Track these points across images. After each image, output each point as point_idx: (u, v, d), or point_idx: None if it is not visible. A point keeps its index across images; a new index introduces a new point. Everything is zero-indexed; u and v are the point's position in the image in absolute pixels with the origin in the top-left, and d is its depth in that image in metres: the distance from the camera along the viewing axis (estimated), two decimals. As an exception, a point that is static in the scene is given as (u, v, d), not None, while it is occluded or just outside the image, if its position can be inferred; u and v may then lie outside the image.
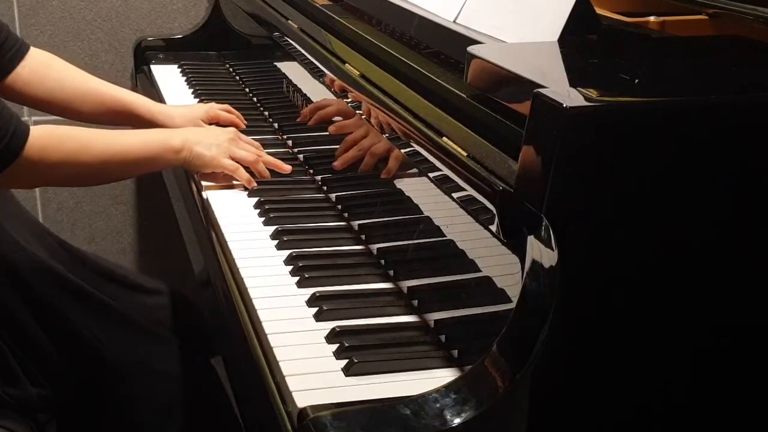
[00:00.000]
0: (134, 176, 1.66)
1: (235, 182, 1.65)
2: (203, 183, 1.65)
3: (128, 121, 1.86)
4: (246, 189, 1.63)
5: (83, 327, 1.60)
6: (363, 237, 1.45)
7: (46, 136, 1.46)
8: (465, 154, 1.07)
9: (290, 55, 1.83)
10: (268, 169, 1.68)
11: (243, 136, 1.71)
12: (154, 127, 1.81)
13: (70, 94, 1.82)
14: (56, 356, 1.56)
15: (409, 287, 1.28)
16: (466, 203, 1.08)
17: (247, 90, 2.20)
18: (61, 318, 1.59)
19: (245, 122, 1.92)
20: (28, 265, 1.58)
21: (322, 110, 1.70)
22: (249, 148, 1.68)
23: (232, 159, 1.64)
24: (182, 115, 1.87)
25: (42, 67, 1.79)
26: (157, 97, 2.19)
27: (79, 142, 1.51)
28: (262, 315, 1.23)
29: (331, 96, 1.63)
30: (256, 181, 1.64)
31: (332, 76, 1.56)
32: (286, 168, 1.67)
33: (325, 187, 1.62)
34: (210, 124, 1.86)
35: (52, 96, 1.81)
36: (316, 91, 1.75)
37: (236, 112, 1.93)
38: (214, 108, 1.91)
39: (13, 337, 1.53)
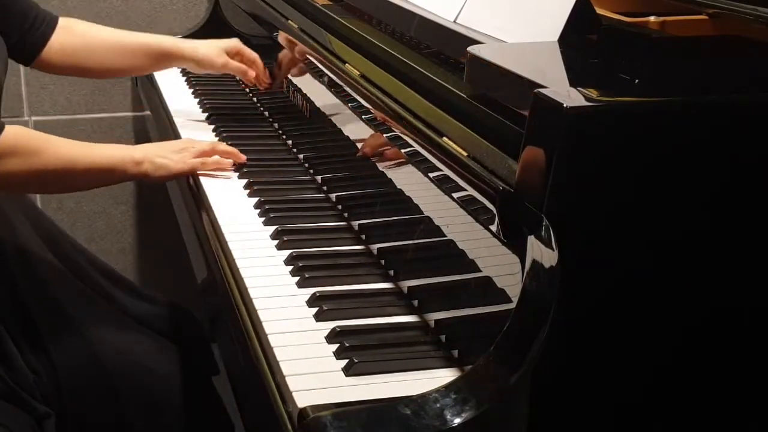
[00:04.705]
0: (94, 187, 1.74)
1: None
2: (202, 180, 1.66)
3: (159, 61, 1.95)
4: (246, 189, 1.63)
5: (85, 322, 1.61)
6: (363, 237, 1.45)
7: (11, 137, 1.48)
8: (465, 154, 1.07)
9: (290, 55, 1.83)
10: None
11: (193, 140, 1.76)
12: (182, 62, 1.96)
13: (98, 57, 1.89)
14: (55, 347, 1.57)
15: (409, 287, 1.28)
16: (466, 203, 1.08)
17: (247, 90, 2.20)
18: (65, 313, 1.60)
19: (265, 71, 1.99)
20: (37, 257, 1.60)
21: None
22: (203, 144, 1.74)
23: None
24: (207, 44, 1.95)
25: (68, 36, 1.85)
26: (158, 97, 2.19)
27: (41, 147, 1.53)
28: (262, 315, 1.23)
29: (330, 94, 1.63)
30: (256, 181, 1.65)
31: (331, 75, 1.56)
32: (242, 157, 1.73)
33: (325, 187, 1.62)
34: (233, 57, 1.94)
35: (84, 62, 1.88)
36: (316, 91, 1.75)
37: (260, 61, 1.98)
38: (239, 42, 1.97)
39: (17, 327, 1.54)
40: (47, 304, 1.60)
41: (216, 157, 1.70)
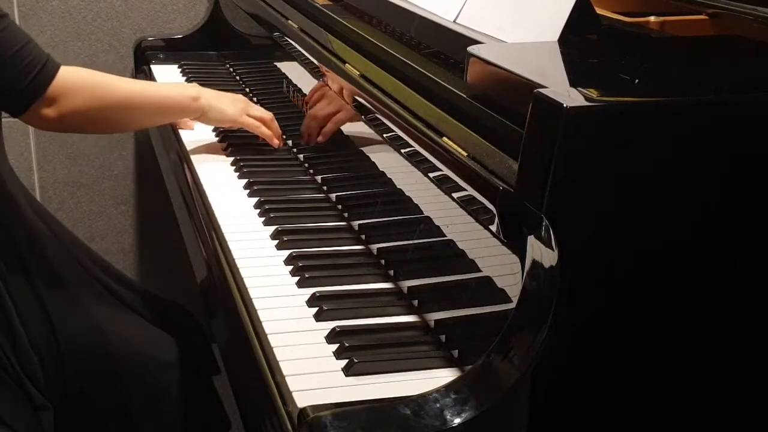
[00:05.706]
0: (153, 123, 1.87)
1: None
2: (202, 180, 1.66)
3: None
4: (246, 189, 1.63)
5: (90, 306, 1.63)
6: (363, 237, 1.45)
7: (72, 74, 1.56)
8: (465, 154, 1.07)
9: (290, 55, 1.83)
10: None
11: (251, 103, 1.83)
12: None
13: None
14: (62, 328, 1.58)
15: (409, 287, 1.28)
16: (466, 203, 1.08)
17: (247, 90, 2.20)
18: (71, 296, 1.62)
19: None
20: (43, 241, 1.62)
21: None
22: (263, 110, 1.80)
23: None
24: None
25: None
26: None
27: (102, 80, 1.62)
28: (262, 315, 1.23)
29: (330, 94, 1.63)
30: (256, 181, 1.65)
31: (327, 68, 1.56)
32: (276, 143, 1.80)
33: (325, 187, 1.62)
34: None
35: None
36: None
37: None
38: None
39: (27, 307, 1.55)
40: (56, 287, 1.60)
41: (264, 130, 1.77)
